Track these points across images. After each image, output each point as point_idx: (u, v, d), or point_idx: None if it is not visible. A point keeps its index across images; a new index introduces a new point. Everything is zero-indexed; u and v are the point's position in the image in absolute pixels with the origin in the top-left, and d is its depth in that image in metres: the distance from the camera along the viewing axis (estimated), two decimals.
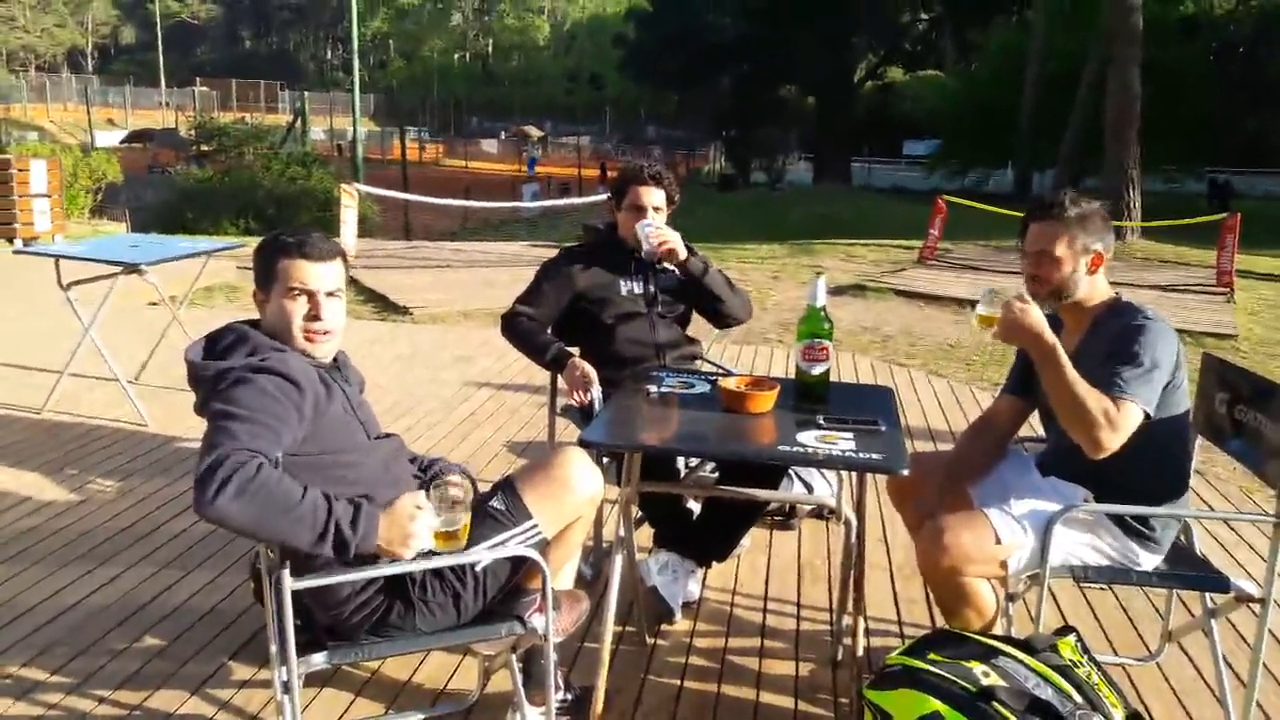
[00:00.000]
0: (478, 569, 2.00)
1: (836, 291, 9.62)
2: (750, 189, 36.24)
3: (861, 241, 14.08)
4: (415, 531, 1.82)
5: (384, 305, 8.13)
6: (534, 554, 1.98)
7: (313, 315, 2.02)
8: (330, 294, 2.04)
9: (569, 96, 66.08)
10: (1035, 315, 2.19)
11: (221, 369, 1.88)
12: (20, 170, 11.05)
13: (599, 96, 62.03)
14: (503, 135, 57.26)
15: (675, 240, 3.12)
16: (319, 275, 2.02)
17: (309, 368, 1.96)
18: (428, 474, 2.26)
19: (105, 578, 3.11)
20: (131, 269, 4.56)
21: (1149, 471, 2.31)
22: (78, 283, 4.68)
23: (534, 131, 54.45)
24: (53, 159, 12.32)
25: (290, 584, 1.80)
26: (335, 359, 2.13)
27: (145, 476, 3.95)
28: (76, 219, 14.35)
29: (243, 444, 1.74)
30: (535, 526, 2.05)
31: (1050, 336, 2.18)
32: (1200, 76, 25.95)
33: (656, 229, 3.10)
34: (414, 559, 1.89)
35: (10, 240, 10.89)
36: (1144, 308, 2.31)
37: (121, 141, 40.04)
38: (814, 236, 15.04)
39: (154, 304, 6.57)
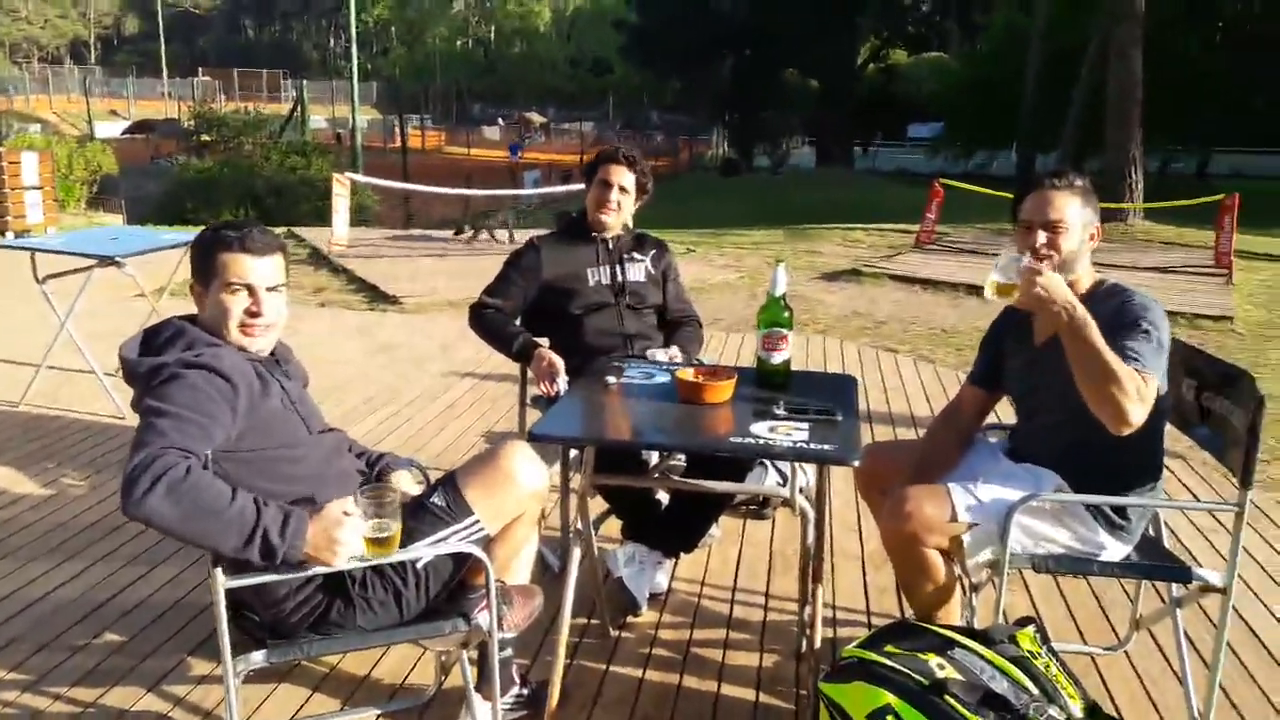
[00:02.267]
0: (419, 566, 1.97)
1: (832, 276, 9.58)
2: (753, 174, 36.08)
3: (860, 226, 14.01)
4: (343, 539, 1.80)
5: (374, 294, 8.10)
6: (476, 550, 1.95)
7: (252, 311, 1.99)
8: (271, 289, 2.02)
9: (571, 82, 65.74)
10: (1061, 283, 2.09)
11: (154, 365, 1.86)
12: (11, 163, 11.02)
13: (602, 82, 61.73)
14: (500, 122, 57.05)
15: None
16: (259, 270, 1.99)
17: (244, 363, 1.93)
18: (374, 469, 2.23)
19: (73, 572, 3.10)
20: (108, 261, 4.53)
21: (1126, 458, 2.27)
22: (54, 276, 4.67)
23: (536, 118, 54.27)
24: (45, 151, 12.31)
25: (224, 582, 1.78)
26: (274, 353, 2.10)
27: (120, 470, 3.91)
28: (72, 210, 14.37)
29: (173, 443, 1.72)
30: (477, 522, 2.02)
31: (1081, 306, 2.07)
32: (1206, 55, 25.68)
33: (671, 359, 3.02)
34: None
35: (3, 233, 10.89)
36: (1136, 289, 2.26)
37: (124, 132, 39.98)
38: (815, 221, 14.97)
39: (140, 296, 6.55)
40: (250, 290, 1.99)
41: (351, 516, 1.81)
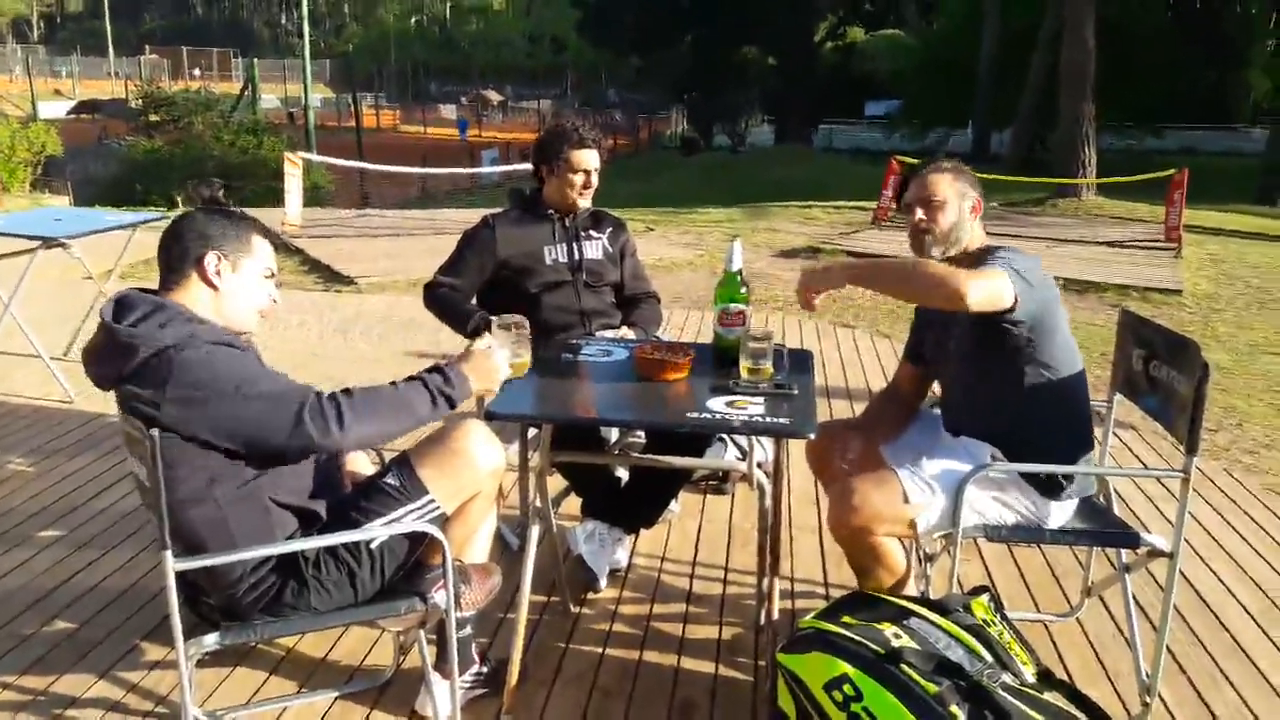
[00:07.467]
0: (373, 546, 1.95)
1: (790, 254, 9.61)
2: (713, 152, 35.99)
3: (818, 204, 14.04)
4: (497, 364, 2.09)
5: (328, 275, 7.99)
6: (432, 529, 1.94)
7: (274, 298, 2.07)
8: None
9: (529, 60, 65.15)
10: (818, 273, 2.31)
11: (178, 340, 1.83)
12: None
13: (560, 60, 61.20)
14: (462, 100, 56.45)
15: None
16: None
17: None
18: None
19: (20, 559, 3.04)
20: (52, 243, 4.42)
21: (1050, 428, 2.33)
22: None
23: (493, 96, 53.77)
24: None
25: (174, 565, 1.75)
26: None
27: (69, 455, 3.86)
28: (17, 192, 14.00)
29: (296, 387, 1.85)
30: (432, 501, 2.00)
31: (845, 261, 2.20)
32: (1157, 32, 25.96)
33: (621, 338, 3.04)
34: (309, 536, 1.91)
35: None
36: (1012, 248, 2.32)
37: (69, 112, 39.01)
38: (775, 199, 14.97)
39: (88, 278, 6.41)
40: (273, 276, 2.07)
41: (495, 348, 2.11)
